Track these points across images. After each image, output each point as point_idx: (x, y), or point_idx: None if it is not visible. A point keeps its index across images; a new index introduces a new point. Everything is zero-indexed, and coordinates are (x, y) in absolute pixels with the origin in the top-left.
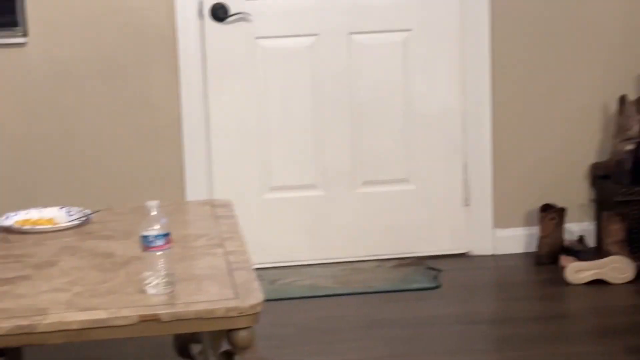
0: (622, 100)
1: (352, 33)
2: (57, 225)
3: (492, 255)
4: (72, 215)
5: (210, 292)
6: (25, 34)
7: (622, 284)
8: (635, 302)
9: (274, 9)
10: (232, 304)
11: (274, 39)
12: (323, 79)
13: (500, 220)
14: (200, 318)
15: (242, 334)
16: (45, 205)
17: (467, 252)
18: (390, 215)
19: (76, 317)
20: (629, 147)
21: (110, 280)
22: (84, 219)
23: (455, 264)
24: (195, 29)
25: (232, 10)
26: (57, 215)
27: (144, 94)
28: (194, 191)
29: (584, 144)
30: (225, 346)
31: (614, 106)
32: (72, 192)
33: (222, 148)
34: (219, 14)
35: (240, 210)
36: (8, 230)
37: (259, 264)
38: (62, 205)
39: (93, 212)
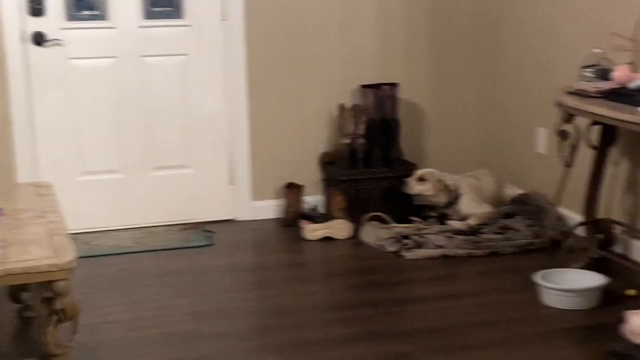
0: (342, 107)
1: (142, 56)
2: None
3: (252, 221)
4: None
5: (35, 253)
6: None
7: (344, 239)
8: (352, 252)
9: (82, 36)
10: (52, 261)
11: (82, 60)
12: (122, 90)
13: (257, 194)
14: (27, 272)
15: (61, 284)
16: None
17: (233, 219)
18: (176, 191)
19: None
20: (346, 141)
21: None
22: None
23: (224, 228)
24: (20, 51)
25: (48, 37)
26: None
27: None
28: (23, 176)
29: (317, 138)
30: (47, 293)
31: (336, 111)
32: None
33: (45, 143)
34: (38, 39)
35: (60, 190)
36: None
37: (75, 230)
38: None
39: None
